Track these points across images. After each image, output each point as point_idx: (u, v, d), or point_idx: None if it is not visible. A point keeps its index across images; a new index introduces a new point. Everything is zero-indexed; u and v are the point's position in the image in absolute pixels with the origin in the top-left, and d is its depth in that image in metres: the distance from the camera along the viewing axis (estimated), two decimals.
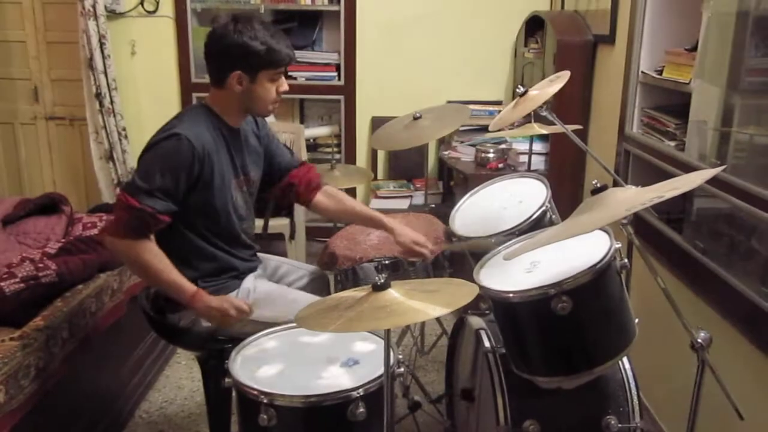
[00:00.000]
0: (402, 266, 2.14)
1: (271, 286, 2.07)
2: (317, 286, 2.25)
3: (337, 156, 4.05)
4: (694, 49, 2.10)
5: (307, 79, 3.98)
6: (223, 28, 1.86)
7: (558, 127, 1.92)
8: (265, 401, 1.49)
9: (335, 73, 4.00)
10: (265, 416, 1.48)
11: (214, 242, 1.95)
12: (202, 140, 1.84)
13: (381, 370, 1.45)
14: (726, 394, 1.36)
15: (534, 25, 3.71)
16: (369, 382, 1.50)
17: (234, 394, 1.61)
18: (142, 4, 3.96)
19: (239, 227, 2.01)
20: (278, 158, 2.15)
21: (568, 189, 3.28)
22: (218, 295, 1.91)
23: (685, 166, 2.04)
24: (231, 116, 1.96)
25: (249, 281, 2.03)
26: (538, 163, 3.35)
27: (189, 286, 1.84)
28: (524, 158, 3.28)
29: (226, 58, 1.87)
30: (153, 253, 1.82)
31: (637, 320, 1.60)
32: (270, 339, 1.77)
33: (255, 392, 1.50)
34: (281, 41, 1.87)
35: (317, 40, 4.09)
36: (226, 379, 1.57)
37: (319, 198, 2.18)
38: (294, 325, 1.67)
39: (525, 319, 1.58)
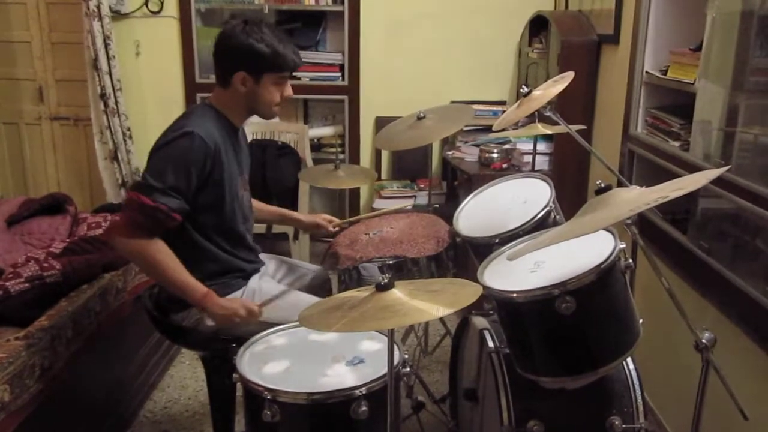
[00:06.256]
0: (405, 266, 2.15)
1: (276, 287, 2.07)
2: (321, 286, 2.25)
3: (341, 156, 4.05)
4: (699, 48, 2.10)
5: (311, 80, 3.98)
6: (231, 28, 1.88)
7: (562, 127, 1.91)
8: (269, 397, 1.50)
9: (339, 74, 4.00)
10: (268, 412, 1.49)
11: (217, 242, 1.95)
12: (213, 138, 1.84)
13: (385, 370, 1.45)
14: (730, 395, 1.36)
15: (538, 25, 3.71)
16: (372, 381, 1.51)
17: (241, 389, 1.61)
18: (146, 4, 3.96)
19: (243, 227, 2.01)
20: None
21: (572, 189, 3.28)
22: (225, 295, 1.91)
23: (689, 166, 2.03)
24: (235, 116, 1.97)
25: (254, 281, 2.03)
26: (542, 163, 3.35)
27: (200, 287, 1.84)
28: (528, 158, 3.28)
29: (232, 58, 1.89)
30: (165, 253, 1.82)
31: (641, 320, 1.60)
32: (278, 336, 1.78)
33: (260, 388, 1.51)
34: (288, 47, 1.90)
35: (321, 40, 4.09)
36: (234, 375, 1.59)
37: None
38: None
39: (529, 319, 1.58)
